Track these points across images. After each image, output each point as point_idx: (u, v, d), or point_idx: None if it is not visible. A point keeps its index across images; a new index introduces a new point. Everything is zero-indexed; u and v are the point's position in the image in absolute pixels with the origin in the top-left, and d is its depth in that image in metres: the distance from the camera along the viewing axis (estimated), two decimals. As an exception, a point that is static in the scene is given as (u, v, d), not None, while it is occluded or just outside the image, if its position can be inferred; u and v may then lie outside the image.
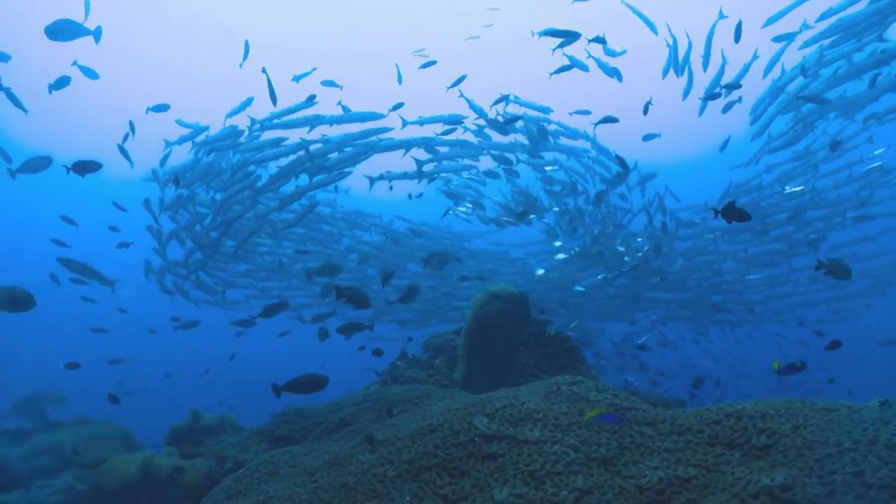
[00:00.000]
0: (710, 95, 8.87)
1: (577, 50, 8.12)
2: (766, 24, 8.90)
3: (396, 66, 9.18)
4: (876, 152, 11.11)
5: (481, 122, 9.54)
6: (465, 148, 9.78)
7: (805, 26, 8.70)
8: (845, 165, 11.32)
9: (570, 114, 9.71)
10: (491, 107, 9.27)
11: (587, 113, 9.35)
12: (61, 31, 6.30)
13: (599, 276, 11.86)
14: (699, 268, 13.25)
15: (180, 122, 9.55)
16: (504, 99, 9.12)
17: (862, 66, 8.65)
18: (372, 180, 9.69)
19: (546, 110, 9.97)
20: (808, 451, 2.68)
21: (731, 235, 12.71)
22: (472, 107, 9.52)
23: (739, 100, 9.25)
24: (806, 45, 8.84)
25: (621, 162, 7.84)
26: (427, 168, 9.84)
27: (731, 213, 3.89)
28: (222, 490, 4.16)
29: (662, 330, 14.94)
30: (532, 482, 3.03)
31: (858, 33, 8.29)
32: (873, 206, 11.84)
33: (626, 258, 11.48)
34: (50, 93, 7.59)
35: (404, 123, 9.25)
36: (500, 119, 9.12)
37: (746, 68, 9.48)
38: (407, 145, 9.26)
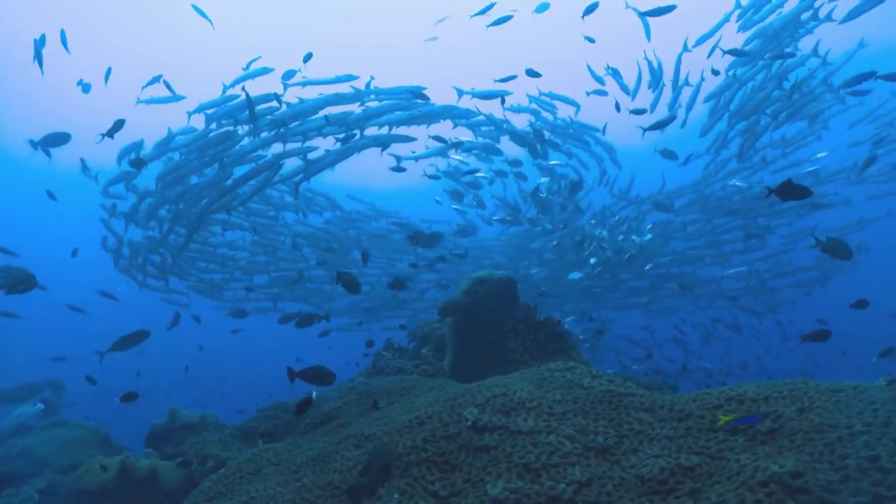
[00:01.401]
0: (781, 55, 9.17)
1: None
2: (695, 45, 9.44)
3: (370, 79, 8.89)
4: (819, 155, 11.86)
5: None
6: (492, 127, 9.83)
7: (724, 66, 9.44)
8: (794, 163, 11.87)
9: (588, 94, 9.79)
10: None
11: (604, 94, 9.59)
12: None
13: (592, 262, 11.88)
14: (663, 254, 13.55)
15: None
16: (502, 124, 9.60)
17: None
18: (399, 160, 9.64)
19: (573, 103, 10.24)
20: (816, 435, 2.55)
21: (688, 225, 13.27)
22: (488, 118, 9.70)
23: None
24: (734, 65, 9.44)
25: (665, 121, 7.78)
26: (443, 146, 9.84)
27: (789, 191, 3.60)
28: (202, 491, 3.97)
29: (678, 326, 15.11)
30: (527, 475, 2.88)
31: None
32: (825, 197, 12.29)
33: (604, 243, 11.59)
34: (33, 62, 7.51)
35: (459, 94, 9.23)
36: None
37: (697, 88, 10.12)
38: (452, 115, 9.20)
